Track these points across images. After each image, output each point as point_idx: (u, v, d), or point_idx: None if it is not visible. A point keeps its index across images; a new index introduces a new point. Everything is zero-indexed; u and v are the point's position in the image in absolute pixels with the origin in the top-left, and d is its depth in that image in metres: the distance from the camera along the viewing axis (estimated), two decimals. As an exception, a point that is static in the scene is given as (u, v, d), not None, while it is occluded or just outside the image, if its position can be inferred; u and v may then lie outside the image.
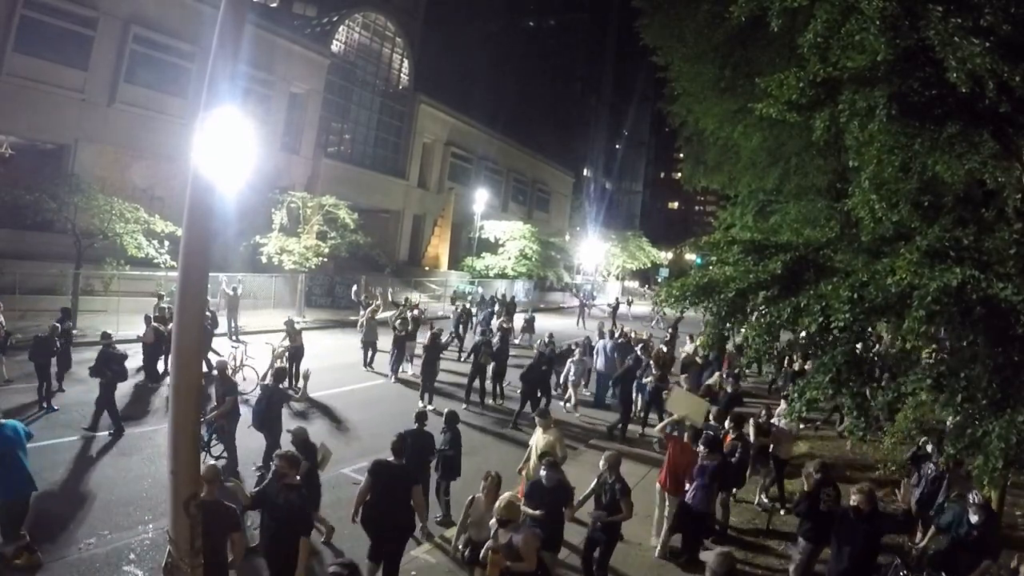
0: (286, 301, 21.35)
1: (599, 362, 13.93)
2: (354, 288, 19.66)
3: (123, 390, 10.80)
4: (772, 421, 8.91)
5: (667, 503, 7.08)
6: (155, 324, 11.62)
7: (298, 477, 4.98)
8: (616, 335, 15.25)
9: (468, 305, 21.46)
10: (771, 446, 8.63)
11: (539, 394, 11.63)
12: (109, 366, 8.89)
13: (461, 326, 18.82)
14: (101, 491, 7.14)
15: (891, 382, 5.68)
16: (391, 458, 5.71)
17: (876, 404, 5.64)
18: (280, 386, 8.12)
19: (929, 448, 7.44)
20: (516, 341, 18.81)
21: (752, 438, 8.46)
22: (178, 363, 3.49)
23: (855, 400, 5.49)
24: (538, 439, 7.23)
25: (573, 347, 13.85)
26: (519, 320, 21.53)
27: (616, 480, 5.84)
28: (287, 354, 11.91)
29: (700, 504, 6.79)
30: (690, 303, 7.07)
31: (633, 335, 16.79)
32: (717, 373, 12.05)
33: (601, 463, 6.04)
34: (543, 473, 5.68)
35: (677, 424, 8.72)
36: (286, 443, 6.69)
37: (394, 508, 5.48)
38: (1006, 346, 4.94)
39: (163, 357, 11.92)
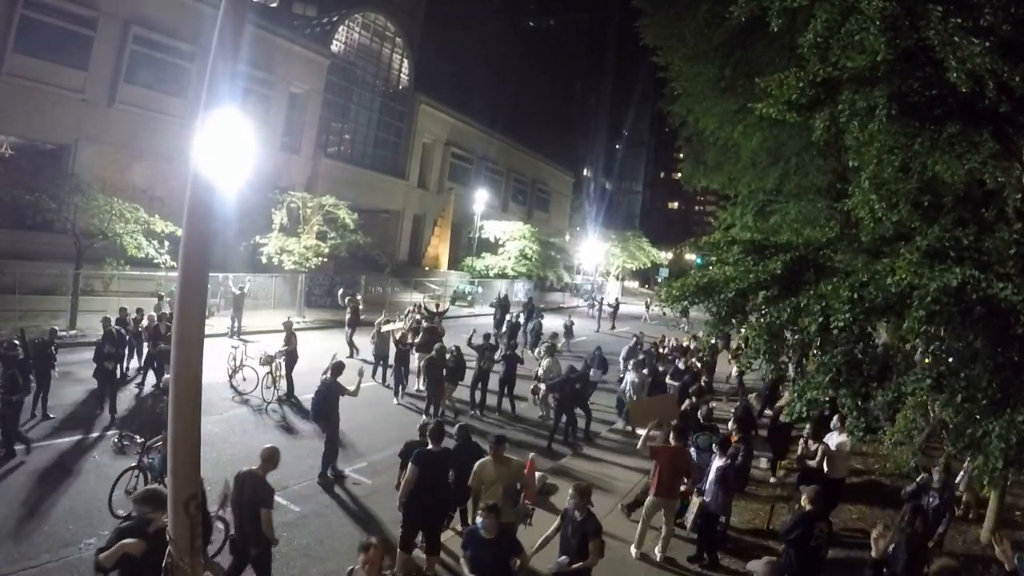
0: (286, 301, 21.35)
1: (600, 373, 13.60)
2: (340, 291, 19.44)
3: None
4: (825, 441, 7.95)
5: (663, 510, 6.92)
6: (115, 327, 11.25)
7: (165, 519, 3.83)
8: (650, 345, 15.03)
9: (513, 317, 20.47)
10: (823, 469, 7.77)
11: (576, 411, 10.97)
12: (26, 376, 8.22)
13: (507, 336, 17.50)
14: (101, 491, 7.12)
15: (891, 382, 5.68)
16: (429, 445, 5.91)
17: (876, 404, 5.62)
18: (337, 380, 8.33)
19: (935, 477, 6.73)
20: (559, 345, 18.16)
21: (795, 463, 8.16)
22: (178, 362, 3.48)
23: (855, 400, 5.49)
24: (486, 471, 5.82)
25: (630, 356, 13.12)
26: (559, 325, 20.84)
27: (586, 517, 5.00)
28: (284, 358, 11.61)
29: (721, 506, 6.90)
30: (690, 303, 7.09)
31: (673, 344, 16.56)
32: (787, 393, 10.86)
33: (569, 497, 5.13)
34: (479, 521, 4.67)
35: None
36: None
37: (434, 492, 5.73)
38: (1006, 346, 4.94)
39: (123, 360, 11.54)
